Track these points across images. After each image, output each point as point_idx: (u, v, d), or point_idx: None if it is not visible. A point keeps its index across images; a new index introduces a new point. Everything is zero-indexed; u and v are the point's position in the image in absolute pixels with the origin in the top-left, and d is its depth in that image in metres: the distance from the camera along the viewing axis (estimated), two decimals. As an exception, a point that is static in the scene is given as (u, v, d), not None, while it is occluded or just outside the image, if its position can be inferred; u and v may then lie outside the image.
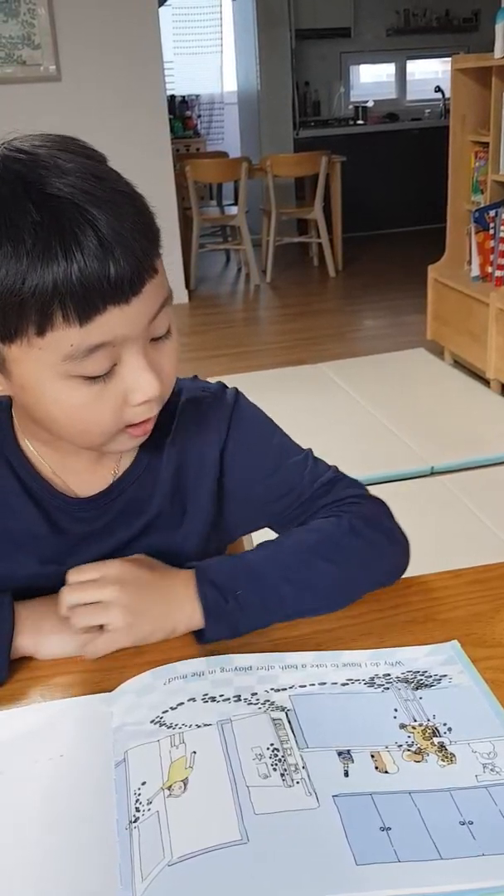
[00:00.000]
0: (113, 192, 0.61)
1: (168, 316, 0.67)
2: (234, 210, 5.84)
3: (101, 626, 0.71)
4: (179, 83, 7.46)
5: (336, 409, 3.44)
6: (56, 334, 0.60)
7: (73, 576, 0.73)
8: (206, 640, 0.73)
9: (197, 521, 0.83)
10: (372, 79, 7.66)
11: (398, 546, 0.83)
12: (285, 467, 0.84)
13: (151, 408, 0.68)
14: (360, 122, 7.31)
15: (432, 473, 2.82)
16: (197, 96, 7.64)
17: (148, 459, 0.80)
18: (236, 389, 0.86)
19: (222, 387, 0.86)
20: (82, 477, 0.79)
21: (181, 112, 7.35)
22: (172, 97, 7.04)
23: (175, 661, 0.69)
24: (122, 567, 0.73)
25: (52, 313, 0.59)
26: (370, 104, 7.42)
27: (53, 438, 0.73)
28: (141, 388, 0.65)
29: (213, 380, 0.88)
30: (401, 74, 7.65)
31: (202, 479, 0.82)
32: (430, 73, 7.67)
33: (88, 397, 0.64)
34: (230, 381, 0.87)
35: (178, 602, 0.73)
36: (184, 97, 7.47)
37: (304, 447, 0.88)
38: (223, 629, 0.73)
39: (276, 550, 0.78)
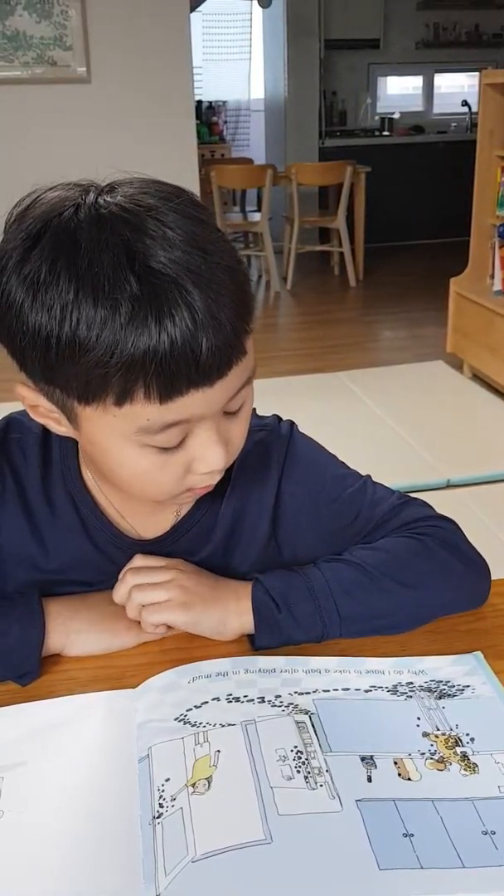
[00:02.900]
0: (216, 268, 0.58)
1: (248, 391, 0.66)
2: (257, 217, 5.86)
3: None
4: (207, 89, 7.49)
5: (353, 418, 3.44)
6: (134, 408, 0.59)
7: (139, 560, 0.75)
8: (257, 647, 0.73)
9: (248, 552, 0.82)
10: (399, 91, 7.68)
11: (475, 570, 0.80)
12: (344, 497, 0.82)
13: (214, 477, 0.67)
14: (385, 133, 7.32)
15: (448, 486, 2.81)
16: (224, 102, 7.67)
17: (210, 504, 0.80)
18: (291, 422, 0.85)
19: (277, 420, 0.85)
20: (144, 518, 0.79)
21: (208, 118, 7.38)
22: (199, 102, 7.07)
23: (199, 660, 0.70)
24: (185, 562, 0.77)
25: (135, 389, 0.58)
26: (396, 116, 7.43)
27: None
28: (207, 461, 0.64)
29: None
30: (428, 87, 7.66)
31: (259, 516, 0.82)
32: (456, 87, 7.68)
33: (155, 465, 0.64)
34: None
35: (234, 599, 0.74)
36: (211, 103, 7.50)
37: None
38: (274, 637, 0.73)
39: (342, 566, 0.76)
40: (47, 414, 0.66)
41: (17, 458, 0.78)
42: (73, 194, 0.60)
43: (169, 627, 0.74)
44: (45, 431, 0.77)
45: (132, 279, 0.55)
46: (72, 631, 0.73)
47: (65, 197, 0.60)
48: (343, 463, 0.86)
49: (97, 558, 0.79)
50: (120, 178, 0.62)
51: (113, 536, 0.79)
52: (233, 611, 0.73)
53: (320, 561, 0.78)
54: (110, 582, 0.75)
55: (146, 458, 0.63)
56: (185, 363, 0.57)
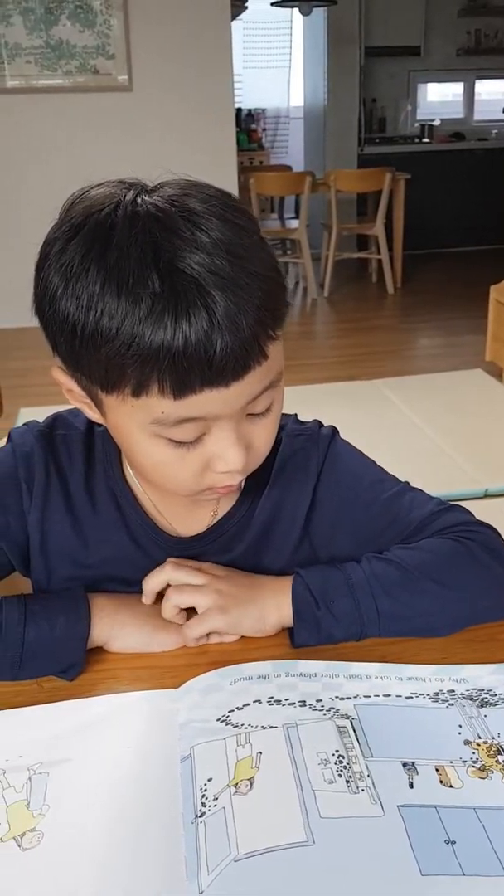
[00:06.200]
0: (243, 273, 0.59)
1: (272, 395, 0.67)
2: (295, 223, 5.87)
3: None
4: (247, 96, 7.53)
5: (389, 426, 3.42)
6: (150, 400, 0.61)
7: (173, 562, 0.76)
8: (296, 644, 0.73)
9: (280, 554, 0.83)
10: (439, 97, 7.65)
11: None
12: (382, 501, 0.82)
13: (234, 477, 0.68)
14: (425, 140, 7.29)
15: (486, 496, 2.79)
16: (263, 110, 7.70)
17: (248, 505, 0.82)
18: (333, 428, 0.86)
19: (318, 426, 0.86)
20: (182, 517, 0.81)
21: (247, 125, 7.42)
22: (239, 110, 7.11)
23: (239, 663, 0.70)
24: (215, 566, 0.78)
25: (149, 383, 0.59)
26: (437, 123, 7.41)
27: None
28: (225, 461, 0.65)
29: None
30: (468, 94, 7.62)
31: (293, 519, 0.83)
32: (497, 94, 7.62)
33: (172, 458, 0.65)
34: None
35: (271, 595, 0.75)
36: (250, 110, 7.54)
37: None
38: (313, 635, 0.73)
39: (383, 565, 0.76)
40: (81, 399, 0.69)
41: (62, 454, 0.80)
42: (116, 191, 0.62)
43: (208, 635, 0.75)
44: (90, 429, 0.80)
45: (155, 277, 0.57)
46: (116, 624, 0.74)
47: (109, 194, 0.62)
48: (382, 469, 0.86)
49: (136, 555, 0.80)
50: (167, 179, 0.64)
51: (152, 532, 0.80)
52: (271, 606, 0.74)
53: (361, 558, 0.78)
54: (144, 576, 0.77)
55: (163, 449, 0.65)
56: (197, 362, 0.58)
